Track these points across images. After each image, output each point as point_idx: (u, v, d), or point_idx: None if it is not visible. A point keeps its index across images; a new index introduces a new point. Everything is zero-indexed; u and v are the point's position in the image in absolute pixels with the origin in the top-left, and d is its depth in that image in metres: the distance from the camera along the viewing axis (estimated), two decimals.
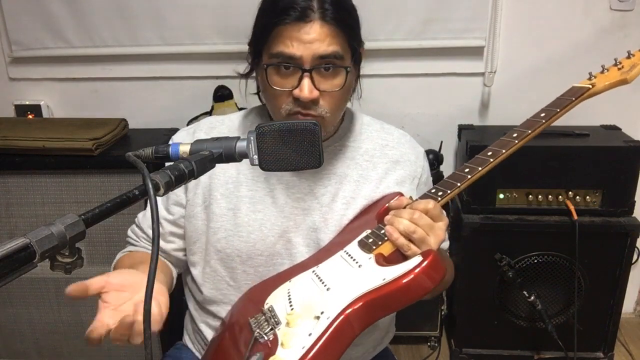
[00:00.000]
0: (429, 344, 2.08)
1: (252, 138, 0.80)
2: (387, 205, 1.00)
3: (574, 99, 1.08)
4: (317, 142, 0.80)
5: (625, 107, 2.00)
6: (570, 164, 1.74)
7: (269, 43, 0.96)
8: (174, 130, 1.99)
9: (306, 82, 0.94)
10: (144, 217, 1.17)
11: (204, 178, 1.08)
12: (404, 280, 0.85)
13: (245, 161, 1.06)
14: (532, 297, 1.75)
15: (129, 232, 1.20)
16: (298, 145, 0.80)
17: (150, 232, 1.14)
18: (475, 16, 1.91)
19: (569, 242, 1.74)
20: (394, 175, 1.11)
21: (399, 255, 0.94)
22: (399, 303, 0.87)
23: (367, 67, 1.99)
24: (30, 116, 2.11)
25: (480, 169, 1.02)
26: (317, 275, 0.98)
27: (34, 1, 1.98)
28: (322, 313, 0.88)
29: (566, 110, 1.08)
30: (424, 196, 1.01)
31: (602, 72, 1.11)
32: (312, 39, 0.93)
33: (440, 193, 1.00)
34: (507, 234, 1.79)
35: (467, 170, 1.03)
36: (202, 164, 0.79)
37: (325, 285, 0.94)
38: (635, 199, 1.77)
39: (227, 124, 1.15)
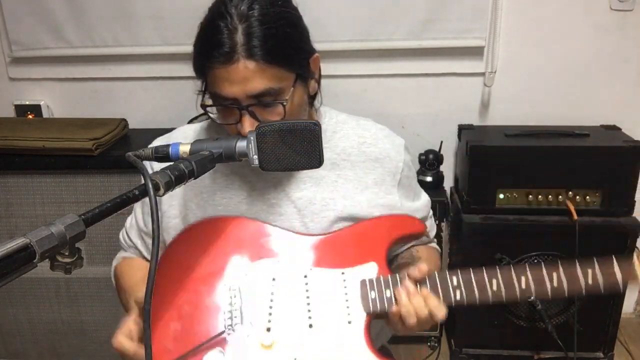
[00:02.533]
0: (429, 344, 2.08)
1: (252, 138, 0.80)
2: (408, 273, 0.96)
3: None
4: (317, 142, 0.80)
5: (625, 107, 2.00)
6: (570, 164, 1.74)
7: (208, 81, 0.95)
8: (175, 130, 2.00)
9: (246, 119, 0.91)
10: (131, 227, 1.18)
11: (178, 189, 1.07)
12: None
13: (219, 169, 1.06)
14: (532, 297, 1.75)
15: (120, 237, 1.22)
16: (298, 145, 0.80)
17: (137, 242, 1.16)
18: (475, 16, 1.91)
19: (569, 242, 1.73)
20: (373, 175, 1.09)
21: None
22: None
23: (367, 67, 2.01)
24: (30, 116, 2.11)
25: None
26: (307, 288, 0.96)
27: (34, 1, 1.98)
28: None
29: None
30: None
31: None
32: (241, 78, 0.89)
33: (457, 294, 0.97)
34: (507, 234, 1.79)
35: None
36: (202, 164, 0.79)
37: (310, 317, 0.93)
38: (635, 199, 1.77)
39: (200, 133, 1.13)
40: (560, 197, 1.76)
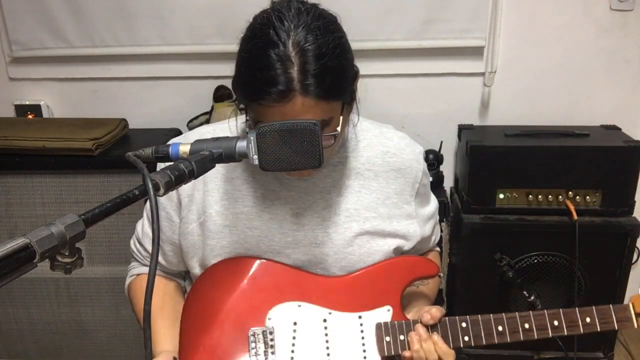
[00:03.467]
0: None
1: (252, 138, 0.80)
2: (420, 319, 1.03)
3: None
4: (317, 142, 0.79)
5: (625, 107, 2.00)
6: (570, 164, 1.74)
7: (252, 108, 0.90)
8: (174, 130, 2.00)
9: None
10: (144, 233, 1.15)
11: (197, 194, 1.06)
12: None
13: (242, 176, 1.05)
14: (532, 297, 1.75)
15: (132, 245, 1.19)
16: (298, 145, 0.80)
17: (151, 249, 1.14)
18: (475, 16, 1.91)
19: (569, 242, 1.73)
20: (395, 185, 1.08)
21: None
22: None
23: (367, 67, 2.01)
24: (30, 116, 2.11)
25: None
26: (326, 333, 1.02)
27: (34, 1, 1.98)
28: None
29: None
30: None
31: None
32: (295, 113, 0.85)
33: (466, 338, 1.10)
34: (507, 234, 1.79)
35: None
36: (202, 164, 0.79)
37: (329, 357, 1.00)
38: (635, 199, 1.77)
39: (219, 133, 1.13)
40: (560, 197, 1.76)
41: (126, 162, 0.75)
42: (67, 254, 0.60)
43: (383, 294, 1.04)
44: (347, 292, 1.05)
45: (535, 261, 1.79)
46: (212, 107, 1.95)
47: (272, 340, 1.00)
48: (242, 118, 1.08)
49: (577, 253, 1.73)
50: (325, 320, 1.02)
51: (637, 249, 2.01)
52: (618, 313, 1.02)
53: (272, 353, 0.98)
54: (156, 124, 2.04)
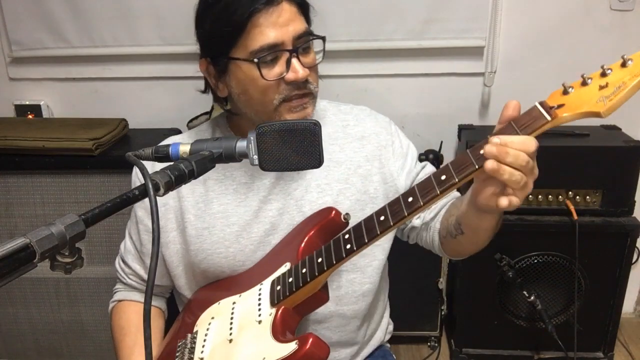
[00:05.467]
0: (429, 344, 2.08)
1: (252, 138, 0.80)
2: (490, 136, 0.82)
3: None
4: (317, 142, 0.80)
5: (625, 107, 1.98)
6: (570, 164, 1.74)
7: (242, 41, 0.94)
8: (174, 130, 2.00)
9: (296, 62, 0.95)
10: (126, 250, 1.17)
11: (172, 202, 1.08)
12: None
13: (212, 176, 1.06)
14: (532, 297, 1.75)
15: (117, 265, 1.20)
16: (298, 145, 0.80)
17: (136, 266, 1.15)
18: (475, 16, 1.91)
19: (569, 242, 1.74)
20: (363, 152, 1.10)
21: (305, 308, 0.96)
22: None
23: (367, 67, 2.01)
24: (30, 116, 2.11)
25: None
26: (232, 312, 1.01)
27: (34, 1, 1.98)
28: None
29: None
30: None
31: (575, 87, 0.82)
32: (286, 20, 0.94)
33: (347, 246, 0.89)
34: (507, 234, 1.78)
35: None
36: (202, 164, 0.78)
37: (230, 334, 0.97)
38: (635, 199, 1.77)
39: (193, 138, 1.13)
40: (560, 197, 1.76)
41: (126, 162, 0.75)
42: (67, 254, 0.60)
43: (284, 254, 1.02)
44: (257, 270, 1.05)
45: (535, 261, 1.79)
46: (212, 107, 1.95)
47: (194, 341, 1.01)
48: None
49: (577, 253, 1.73)
50: (234, 303, 1.02)
51: (637, 249, 2.01)
52: (475, 151, 0.81)
53: (191, 355, 0.99)
54: (156, 124, 2.04)
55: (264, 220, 1.06)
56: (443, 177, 0.82)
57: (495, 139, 0.79)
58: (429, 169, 1.17)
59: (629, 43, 1.93)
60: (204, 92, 1.12)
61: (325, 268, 0.90)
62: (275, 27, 0.93)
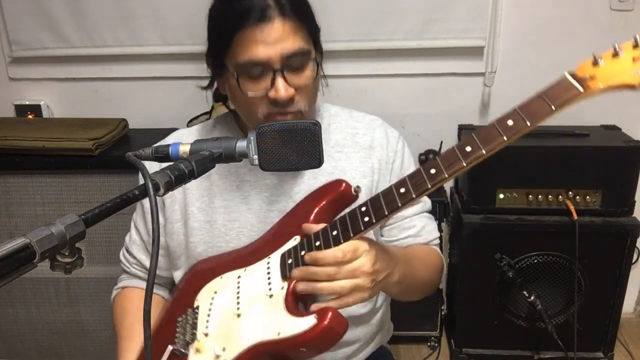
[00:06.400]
0: (429, 344, 2.08)
1: (252, 138, 0.80)
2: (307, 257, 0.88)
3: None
4: (317, 142, 0.80)
5: (625, 107, 2.00)
6: (570, 164, 1.74)
7: (232, 51, 0.93)
8: (174, 130, 2.00)
9: (280, 82, 0.92)
10: (131, 241, 1.17)
11: (178, 194, 1.08)
12: (297, 342, 0.83)
13: (217, 171, 1.05)
14: (532, 297, 1.75)
15: (121, 256, 1.21)
16: (298, 145, 0.80)
17: (141, 256, 1.16)
18: (475, 16, 1.91)
19: (569, 242, 1.73)
20: (369, 163, 1.09)
21: None
22: (295, 358, 0.87)
23: (367, 67, 2.01)
24: (30, 116, 2.11)
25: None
26: (238, 286, 0.97)
27: (34, 1, 1.98)
28: (223, 350, 0.90)
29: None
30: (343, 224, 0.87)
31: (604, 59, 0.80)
32: (276, 38, 0.91)
33: (366, 219, 0.85)
34: (507, 234, 1.79)
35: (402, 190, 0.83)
36: (202, 164, 0.78)
37: (238, 308, 0.94)
38: (635, 199, 1.77)
39: (195, 135, 1.14)
40: (560, 197, 1.76)
41: (126, 162, 0.75)
42: (67, 254, 0.59)
43: (292, 227, 0.97)
44: (263, 244, 1.02)
45: (535, 261, 1.79)
46: (212, 107, 1.95)
47: (195, 315, 0.98)
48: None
49: (577, 253, 1.73)
50: (239, 277, 0.98)
51: (637, 249, 2.01)
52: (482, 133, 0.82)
53: (193, 326, 0.97)
54: (156, 124, 2.04)
55: (265, 220, 1.06)
56: (468, 149, 0.79)
57: (306, 256, 0.85)
58: (424, 221, 1.15)
59: None
60: (206, 88, 1.12)
61: (342, 240, 0.86)
62: (263, 44, 0.91)
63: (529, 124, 0.81)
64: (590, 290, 1.81)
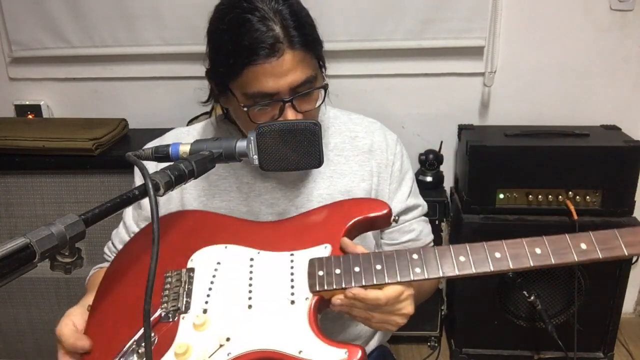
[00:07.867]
0: (429, 344, 2.08)
1: (252, 138, 0.80)
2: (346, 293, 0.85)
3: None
4: (317, 142, 0.80)
5: (625, 107, 2.00)
6: (570, 164, 1.74)
7: (239, 81, 0.92)
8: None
9: (289, 112, 0.91)
10: (116, 233, 1.18)
11: (175, 193, 1.07)
12: None
13: (217, 172, 1.05)
14: (532, 297, 1.75)
15: (105, 249, 1.20)
16: (298, 145, 0.80)
17: (120, 247, 1.14)
18: (475, 16, 1.91)
19: None
20: (368, 167, 1.09)
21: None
22: None
23: (367, 67, 2.01)
24: (30, 116, 2.11)
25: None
26: (251, 270, 0.92)
27: (34, 1, 1.98)
28: (227, 340, 0.83)
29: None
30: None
31: None
32: (285, 71, 0.89)
33: (417, 270, 0.85)
34: (507, 234, 1.77)
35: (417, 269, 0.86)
36: (202, 164, 0.79)
37: (250, 298, 0.88)
38: (635, 199, 1.77)
39: (193, 134, 1.14)
40: (560, 197, 1.76)
41: (126, 162, 0.75)
42: (67, 254, 0.60)
43: (322, 232, 0.94)
44: (283, 233, 0.98)
45: None
46: (212, 107, 1.95)
47: (190, 279, 0.91)
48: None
49: None
50: (252, 259, 0.93)
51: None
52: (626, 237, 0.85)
53: (188, 293, 0.90)
54: (156, 124, 2.04)
55: (264, 223, 1.05)
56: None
57: (349, 293, 0.84)
58: (422, 225, 1.16)
59: (629, 43, 1.93)
60: (205, 103, 1.11)
61: (387, 280, 0.84)
62: (272, 77, 0.89)
63: None
64: (590, 290, 1.81)
